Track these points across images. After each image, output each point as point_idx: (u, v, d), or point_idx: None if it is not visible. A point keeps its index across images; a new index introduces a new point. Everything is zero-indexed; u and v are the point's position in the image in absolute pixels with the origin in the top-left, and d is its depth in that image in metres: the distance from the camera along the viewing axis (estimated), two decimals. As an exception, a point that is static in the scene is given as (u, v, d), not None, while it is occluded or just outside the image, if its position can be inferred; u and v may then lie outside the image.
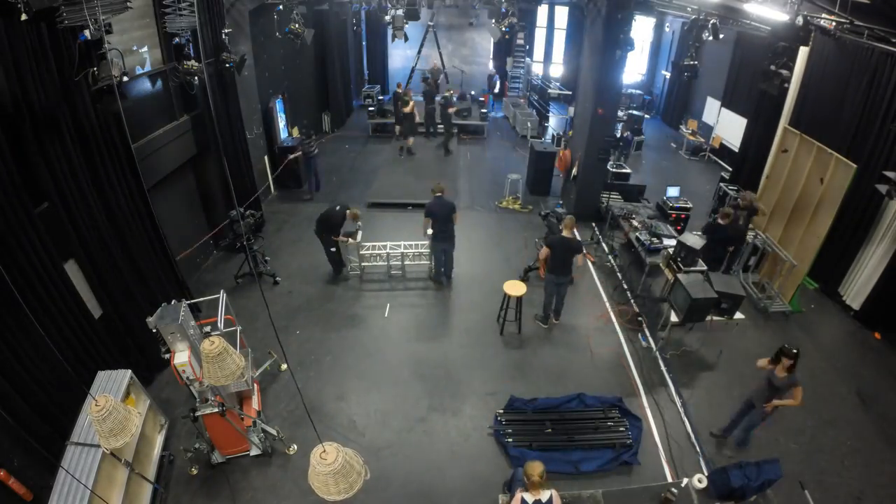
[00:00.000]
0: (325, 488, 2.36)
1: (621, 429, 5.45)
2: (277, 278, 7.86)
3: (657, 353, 6.64)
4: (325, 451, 2.35)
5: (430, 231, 7.33)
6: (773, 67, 7.03)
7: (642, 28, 15.54)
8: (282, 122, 11.02)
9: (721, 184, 10.24)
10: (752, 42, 10.80)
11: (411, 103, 12.43)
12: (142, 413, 4.69)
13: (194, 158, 7.64)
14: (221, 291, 5.23)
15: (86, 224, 5.11)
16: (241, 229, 6.98)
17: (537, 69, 17.29)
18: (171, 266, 6.61)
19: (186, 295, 6.85)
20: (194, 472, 4.96)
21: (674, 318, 6.35)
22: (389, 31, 10.51)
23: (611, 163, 9.82)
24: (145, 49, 6.42)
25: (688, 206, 9.60)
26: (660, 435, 5.54)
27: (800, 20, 6.30)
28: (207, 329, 4.80)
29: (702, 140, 13.72)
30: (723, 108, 12.90)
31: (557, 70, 16.17)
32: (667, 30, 16.12)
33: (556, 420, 5.59)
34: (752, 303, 7.53)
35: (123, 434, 2.93)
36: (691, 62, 8.27)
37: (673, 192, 9.85)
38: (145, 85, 6.52)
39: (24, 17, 3.81)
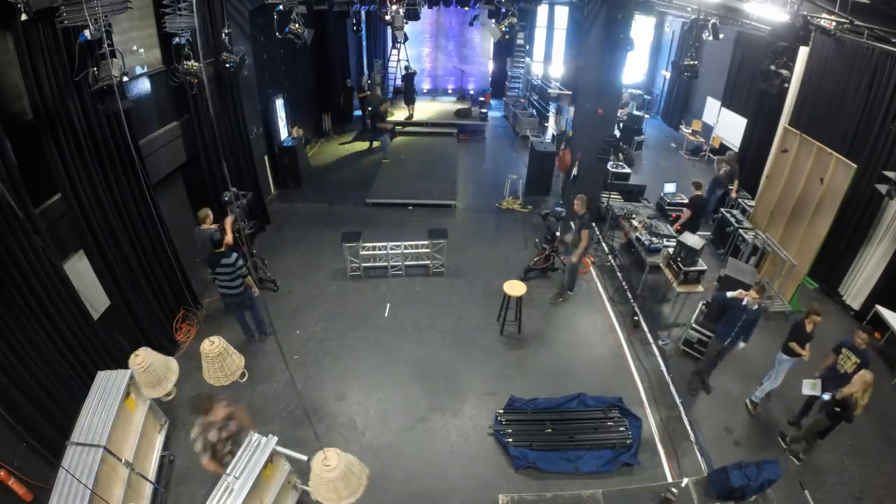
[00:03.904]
0: (335, 494, 2.35)
1: (621, 429, 5.46)
2: (277, 283, 7.79)
3: (657, 353, 6.65)
4: (325, 456, 2.33)
5: None
6: (773, 67, 6.99)
7: (642, 28, 15.51)
8: (282, 121, 11.01)
9: (721, 183, 10.21)
10: (752, 42, 10.80)
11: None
12: (142, 413, 4.69)
13: (195, 159, 7.62)
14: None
15: (95, 214, 5.22)
16: (235, 211, 6.57)
17: (537, 69, 17.28)
18: (174, 264, 6.61)
19: (188, 297, 6.86)
20: (194, 472, 4.95)
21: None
22: (389, 32, 10.47)
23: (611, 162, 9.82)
24: (142, 49, 6.41)
25: (686, 202, 9.59)
26: (660, 435, 5.55)
27: (800, 20, 6.29)
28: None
29: (702, 140, 13.71)
30: (723, 108, 12.88)
31: (557, 70, 16.15)
32: (667, 30, 16.11)
33: (556, 420, 5.59)
34: (752, 303, 7.52)
35: (164, 384, 3.06)
36: (691, 62, 8.22)
37: (670, 188, 9.86)
38: (145, 85, 6.51)
39: (24, 17, 3.81)
